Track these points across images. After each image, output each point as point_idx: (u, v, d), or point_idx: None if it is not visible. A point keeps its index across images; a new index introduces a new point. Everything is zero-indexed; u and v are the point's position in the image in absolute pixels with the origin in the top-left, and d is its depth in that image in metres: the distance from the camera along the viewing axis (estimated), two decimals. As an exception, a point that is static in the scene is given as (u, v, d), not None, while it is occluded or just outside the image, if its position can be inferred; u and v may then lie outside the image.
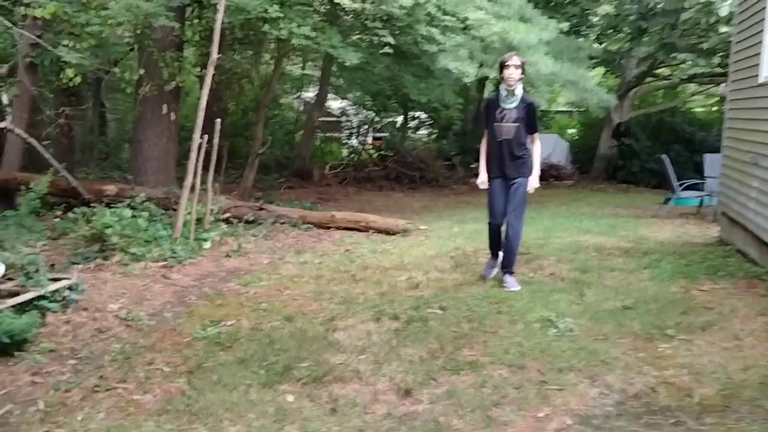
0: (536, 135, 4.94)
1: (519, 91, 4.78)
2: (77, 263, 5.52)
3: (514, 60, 4.72)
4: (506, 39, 7.39)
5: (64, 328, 3.99)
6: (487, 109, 4.96)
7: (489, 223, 5.03)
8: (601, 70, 14.85)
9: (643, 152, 15.18)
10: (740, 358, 3.42)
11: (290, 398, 3.08)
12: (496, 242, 5.06)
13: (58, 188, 7.68)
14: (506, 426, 2.79)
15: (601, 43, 14.15)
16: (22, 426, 2.87)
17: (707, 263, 5.52)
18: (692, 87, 16.42)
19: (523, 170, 4.85)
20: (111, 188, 7.87)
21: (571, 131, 19.91)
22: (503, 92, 4.80)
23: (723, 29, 9.91)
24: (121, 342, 3.85)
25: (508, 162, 4.82)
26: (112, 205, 6.62)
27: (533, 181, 4.90)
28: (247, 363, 3.49)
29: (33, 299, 4.01)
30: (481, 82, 14.06)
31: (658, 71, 13.85)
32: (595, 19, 13.15)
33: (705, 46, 10.65)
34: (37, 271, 4.23)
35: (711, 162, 9.02)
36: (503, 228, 4.95)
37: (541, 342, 3.72)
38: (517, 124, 4.75)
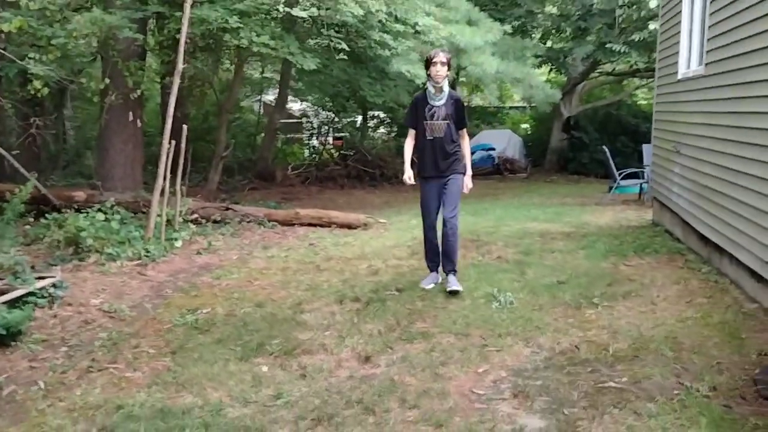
0: (465, 131, 4.88)
1: (446, 87, 4.72)
2: (55, 265, 5.82)
3: (441, 56, 4.64)
4: (454, 42, 7.91)
5: (53, 321, 4.35)
6: (415, 107, 4.85)
7: (424, 228, 4.88)
8: (547, 67, 15.55)
9: (592, 144, 15.96)
10: (652, 319, 3.99)
11: (264, 368, 3.52)
12: (433, 249, 4.90)
13: (29, 196, 7.90)
14: (451, 380, 3.28)
15: (545, 43, 14.85)
16: (27, 402, 3.24)
17: (637, 242, 6.14)
18: (636, 81, 17.32)
19: (456, 167, 4.78)
20: (80, 194, 8.13)
21: (524, 126, 20.68)
22: (431, 89, 4.71)
23: (651, 25, 10.65)
24: (107, 331, 4.23)
25: (441, 160, 4.75)
26: (82, 211, 6.91)
27: (467, 181, 4.84)
28: (224, 342, 3.92)
29: (22, 296, 4.35)
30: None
31: (602, 67, 14.62)
32: (539, 19, 13.83)
33: (635, 38, 11.37)
34: (23, 271, 4.57)
35: (648, 151, 9.73)
36: (439, 233, 4.83)
37: (485, 314, 4.23)
38: (447, 122, 4.70)
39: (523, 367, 3.42)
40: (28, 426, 2.99)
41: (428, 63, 4.71)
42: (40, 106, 10.36)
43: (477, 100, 20.67)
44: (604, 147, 10.18)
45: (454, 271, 4.80)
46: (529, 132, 19.99)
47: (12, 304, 4.23)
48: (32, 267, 5.39)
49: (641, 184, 9.87)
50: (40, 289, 4.53)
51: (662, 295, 4.45)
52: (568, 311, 4.23)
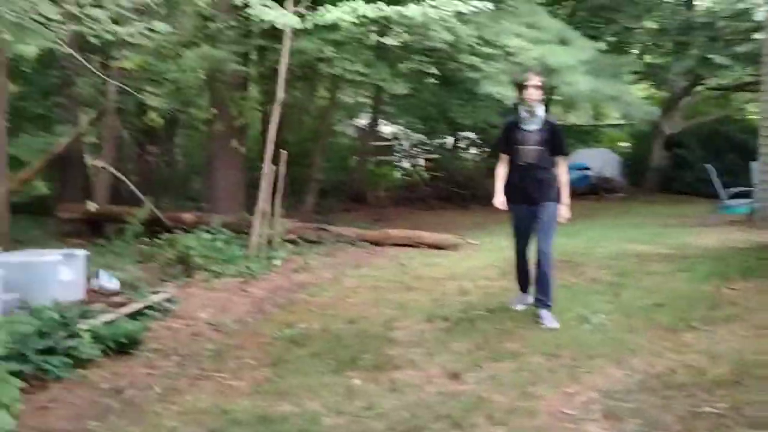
0: (563, 158, 4.61)
1: (540, 112, 4.51)
2: (167, 281, 6.31)
3: (534, 80, 4.46)
4: (545, 62, 7.90)
5: (166, 333, 4.73)
6: (507, 131, 4.66)
7: (516, 254, 4.72)
8: (646, 84, 15.05)
9: (697, 162, 15.22)
10: (756, 345, 3.82)
11: (357, 381, 3.67)
12: (525, 274, 4.75)
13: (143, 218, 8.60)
14: (539, 399, 3.30)
15: (643, 58, 14.41)
16: (144, 405, 3.56)
17: (743, 265, 5.83)
18: (747, 95, 16.39)
19: (550, 194, 4.52)
20: (189, 216, 8.73)
21: (622, 144, 20.03)
22: (523, 114, 4.52)
23: (757, 36, 10.11)
24: (213, 342, 4.55)
25: (532, 188, 4.52)
26: (190, 231, 7.44)
27: (564, 211, 4.55)
28: (319, 356, 4.12)
29: (140, 309, 4.77)
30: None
31: (706, 81, 13.99)
32: (637, 35, 13.47)
33: (740, 50, 10.84)
34: (141, 286, 5.01)
35: (756, 169, 9.21)
36: (532, 258, 4.66)
37: (575, 335, 4.20)
38: (540, 147, 4.48)
39: (614, 388, 3.38)
40: (146, 427, 3.29)
41: (521, 87, 4.52)
42: (154, 134, 11.24)
43: (572, 119, 20.27)
44: (708, 165, 9.72)
45: (548, 306, 4.50)
46: (627, 150, 19.35)
47: (132, 316, 4.65)
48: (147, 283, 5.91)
49: (751, 203, 9.33)
50: (156, 303, 4.95)
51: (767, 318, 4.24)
52: (664, 334, 4.11)
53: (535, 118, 4.50)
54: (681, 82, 14.24)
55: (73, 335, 4.07)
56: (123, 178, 8.54)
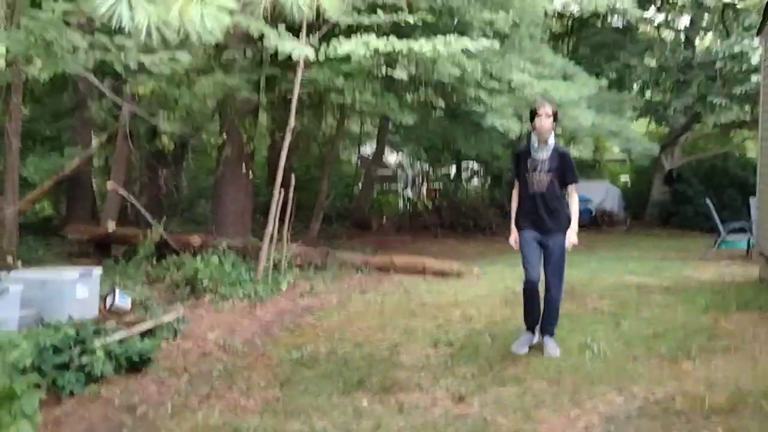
0: (573, 187, 4.59)
1: (551, 140, 4.48)
2: (174, 302, 6.41)
3: (546, 108, 4.41)
4: (548, 97, 8.10)
5: (176, 352, 4.84)
6: (517, 160, 4.64)
7: (525, 283, 4.51)
8: (646, 120, 15.33)
9: (697, 197, 15.41)
10: (752, 374, 3.92)
11: (365, 402, 3.77)
12: (533, 309, 4.58)
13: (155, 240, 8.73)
14: (542, 423, 3.40)
15: (644, 95, 14.71)
16: (157, 421, 3.66)
17: (740, 298, 5.95)
18: (745, 132, 16.66)
19: (560, 224, 4.50)
20: (196, 239, 8.84)
21: (623, 179, 20.27)
22: (534, 143, 4.49)
23: (754, 78, 10.39)
24: (223, 363, 4.65)
25: (544, 216, 4.48)
26: (197, 254, 7.56)
27: (571, 237, 4.52)
28: (327, 377, 4.22)
29: (151, 328, 4.88)
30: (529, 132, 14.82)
31: (705, 119, 14.27)
32: (638, 72, 13.77)
33: (737, 91, 11.13)
34: (152, 306, 5.13)
35: (755, 204, 9.37)
36: (541, 290, 4.56)
37: (577, 362, 4.30)
38: (550, 176, 4.46)
39: (615, 414, 3.48)
40: (159, 441, 3.39)
41: (533, 114, 4.47)
42: (163, 158, 11.45)
43: (574, 152, 20.51)
44: (707, 200, 9.89)
45: (552, 334, 4.59)
46: (628, 185, 19.57)
47: (143, 335, 4.76)
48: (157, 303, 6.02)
49: (748, 239, 9.47)
50: (167, 323, 5.06)
51: (764, 350, 4.34)
52: (664, 363, 4.22)
53: (545, 146, 4.47)
54: (681, 118, 14.51)
55: (88, 352, 4.19)
56: (134, 200, 8.70)
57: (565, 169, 4.51)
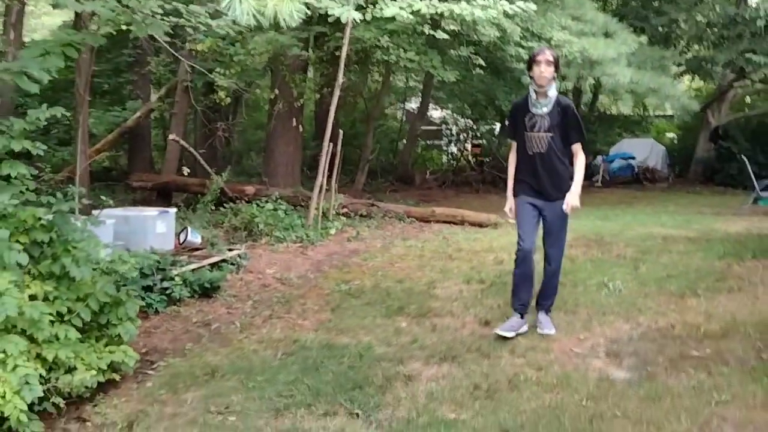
0: (579, 146, 4.01)
1: (552, 92, 3.93)
2: (235, 244, 7.14)
3: (546, 54, 3.88)
4: (587, 55, 8.38)
5: (240, 283, 5.55)
6: (513, 116, 4.13)
7: (516, 254, 4.04)
8: (690, 77, 15.21)
9: (743, 155, 15.34)
10: (749, 309, 4.37)
11: (404, 324, 4.40)
12: (523, 285, 4.05)
13: (208, 188, 9.48)
14: (555, 342, 3.96)
15: (688, 51, 14.59)
16: (228, 335, 4.37)
17: (759, 247, 6.30)
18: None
19: (562, 189, 3.96)
20: (250, 189, 9.56)
21: (670, 135, 20.13)
22: (533, 94, 3.94)
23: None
24: (281, 292, 5.34)
25: (545, 180, 3.97)
26: (251, 202, 8.25)
27: (571, 199, 3.91)
28: (371, 305, 4.86)
29: (218, 261, 5.59)
30: (576, 87, 14.88)
31: (751, 75, 14.10)
32: (683, 28, 13.67)
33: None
34: (218, 243, 5.83)
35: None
36: (536, 265, 4.10)
37: (594, 297, 4.81)
38: (550, 134, 3.92)
39: (620, 337, 4.01)
40: (232, 349, 4.09)
41: (531, 63, 3.93)
42: (218, 112, 12.14)
43: (623, 109, 20.41)
44: (742, 156, 10.04)
45: (549, 310, 4.22)
46: (675, 141, 19.45)
47: (212, 267, 5.48)
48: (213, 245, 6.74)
49: (786, 195, 9.65)
50: (231, 258, 5.76)
51: (767, 291, 4.76)
52: (672, 299, 4.69)
53: (546, 100, 3.92)
54: (728, 75, 14.38)
55: (167, 278, 4.91)
56: (194, 152, 9.42)
57: (569, 126, 3.95)
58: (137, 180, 10.40)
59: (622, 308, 4.52)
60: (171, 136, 9.49)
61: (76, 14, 7.75)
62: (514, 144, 4.18)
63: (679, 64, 12.45)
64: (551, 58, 3.89)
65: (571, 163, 4.04)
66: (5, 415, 2.61)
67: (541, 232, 4.13)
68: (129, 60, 11.91)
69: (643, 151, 16.53)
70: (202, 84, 10.68)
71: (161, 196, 10.31)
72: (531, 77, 3.95)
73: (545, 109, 3.94)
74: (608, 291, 4.94)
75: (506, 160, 4.53)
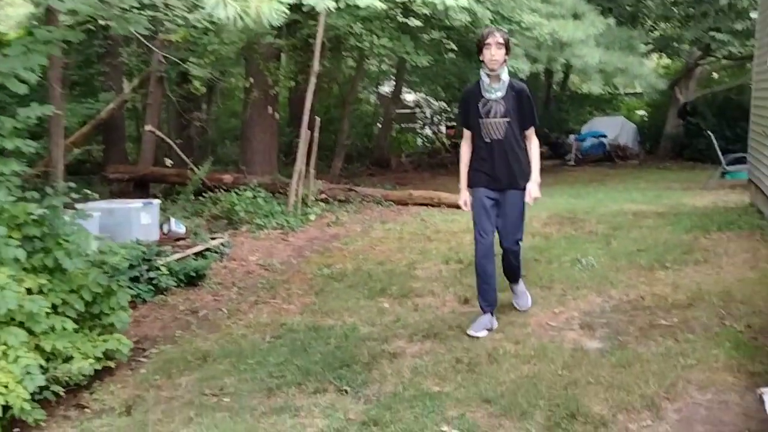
0: (532, 130, 3.89)
1: (505, 76, 3.75)
2: (216, 232, 7.22)
3: (496, 36, 3.68)
4: (556, 37, 8.55)
5: (224, 270, 5.66)
6: (466, 102, 3.91)
7: (476, 253, 3.93)
8: (658, 55, 15.53)
9: (710, 130, 15.74)
10: (714, 279, 4.61)
11: (386, 304, 4.56)
12: (488, 282, 3.92)
13: (186, 178, 9.52)
14: (532, 316, 4.15)
15: (655, 30, 14.88)
16: (216, 321, 4.49)
17: (724, 220, 6.57)
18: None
19: (519, 179, 3.84)
20: (228, 177, 9.60)
21: (639, 113, 20.51)
22: (485, 79, 3.75)
23: (753, 14, 10.67)
24: (264, 278, 5.46)
25: (503, 169, 3.81)
26: (230, 191, 8.32)
27: (533, 190, 3.83)
28: (354, 287, 5.00)
29: (202, 250, 5.69)
30: (547, 70, 15.06)
31: (716, 53, 14.45)
32: (650, 6, 13.93)
33: (738, 28, 11.43)
34: (201, 233, 5.92)
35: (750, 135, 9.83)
36: (494, 257, 3.97)
37: (568, 273, 5.02)
38: (507, 119, 3.75)
39: (592, 310, 4.22)
40: (221, 334, 4.21)
41: (480, 46, 3.73)
42: (192, 101, 12.11)
43: (593, 88, 20.71)
44: (709, 132, 10.36)
45: (517, 280, 4.21)
46: (645, 119, 19.83)
47: (196, 256, 5.57)
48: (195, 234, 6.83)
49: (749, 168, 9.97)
50: (214, 246, 5.86)
51: (730, 261, 5.02)
52: (641, 272, 4.92)
53: (499, 84, 3.76)
54: (695, 52, 14.70)
55: (153, 268, 5.00)
56: (170, 142, 9.43)
57: (524, 110, 3.81)
58: (114, 172, 10.36)
59: (595, 282, 4.73)
60: (147, 127, 9.48)
61: (48, 9, 7.71)
62: (468, 133, 3.96)
63: (647, 43, 12.69)
64: (501, 40, 3.70)
65: (526, 149, 3.89)
66: (9, 404, 2.71)
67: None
68: (100, 51, 11.79)
69: (614, 129, 16.85)
70: (176, 74, 10.65)
71: (138, 187, 10.29)
72: (482, 61, 3.75)
73: (499, 94, 3.77)
74: (581, 266, 5.15)
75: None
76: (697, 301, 4.17)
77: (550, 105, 18.47)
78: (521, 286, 4.30)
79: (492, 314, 3.98)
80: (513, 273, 4.19)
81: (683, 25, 13.66)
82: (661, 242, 5.75)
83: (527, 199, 3.85)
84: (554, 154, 16.22)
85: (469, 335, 3.84)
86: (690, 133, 16.28)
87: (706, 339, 3.54)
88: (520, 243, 4.07)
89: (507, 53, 3.75)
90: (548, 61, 9.56)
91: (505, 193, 3.88)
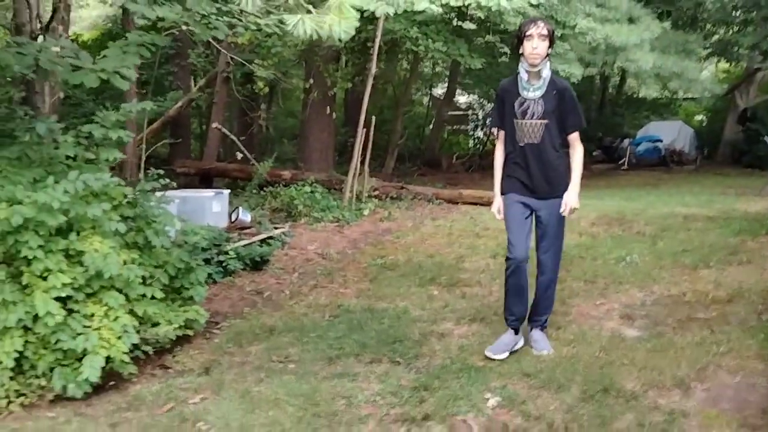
0: (576, 135, 3.46)
1: (546, 72, 3.37)
2: (276, 223, 7.68)
3: (539, 27, 3.28)
4: (610, 42, 8.68)
5: (285, 257, 6.07)
6: (501, 100, 3.53)
7: (507, 263, 3.55)
8: (716, 59, 15.29)
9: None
10: (756, 279, 4.73)
11: (435, 292, 4.87)
12: (518, 297, 3.55)
13: (247, 173, 10.05)
14: (574, 307, 4.39)
15: (714, 34, 14.68)
16: (279, 301, 4.89)
17: (776, 225, 6.60)
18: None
19: (559, 186, 3.45)
20: (286, 173, 10.08)
21: (698, 118, 20.17)
22: (524, 75, 3.38)
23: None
24: (322, 266, 5.85)
25: (538, 176, 3.43)
26: (288, 186, 8.77)
27: (570, 200, 3.43)
28: (405, 276, 5.33)
29: (266, 238, 6.12)
30: (603, 73, 15.04)
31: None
32: (709, 10, 13.78)
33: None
34: (265, 222, 6.36)
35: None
36: (529, 274, 3.58)
37: (612, 269, 5.22)
38: (545, 121, 3.38)
39: (633, 303, 4.42)
40: (284, 312, 4.61)
41: (520, 38, 3.33)
42: (255, 101, 12.70)
43: (650, 93, 20.47)
44: (765, 138, 10.24)
45: (543, 326, 3.67)
46: (703, 123, 19.50)
47: (261, 243, 6.00)
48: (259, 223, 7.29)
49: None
50: (277, 235, 6.29)
51: (776, 263, 5.12)
52: (685, 271, 5.08)
53: (539, 81, 3.37)
54: (756, 57, 14.45)
55: (222, 252, 5.45)
56: (235, 139, 9.97)
57: (566, 111, 3.40)
58: (181, 166, 10.99)
59: (638, 278, 4.92)
60: (214, 125, 10.05)
61: (124, 12, 8.33)
62: (502, 133, 3.59)
63: (706, 48, 12.58)
64: (545, 32, 3.29)
65: (568, 155, 3.49)
66: (111, 357, 3.15)
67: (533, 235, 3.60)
68: (170, 52, 12.49)
69: (671, 133, 16.66)
70: (241, 74, 11.21)
71: (203, 181, 10.90)
72: (521, 55, 3.36)
73: (538, 93, 3.37)
74: (626, 263, 5.34)
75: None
76: (736, 298, 4.32)
77: (604, 109, 18.37)
78: (543, 333, 3.67)
79: (517, 331, 3.63)
80: (543, 304, 3.63)
81: (742, 30, 13.47)
82: (708, 244, 5.86)
83: (562, 209, 3.45)
84: (607, 158, 16.19)
85: (486, 356, 3.50)
86: (749, 138, 15.97)
87: (742, 331, 3.71)
88: (558, 264, 3.62)
89: (551, 46, 3.33)
90: (602, 66, 9.67)
91: (543, 202, 3.48)
